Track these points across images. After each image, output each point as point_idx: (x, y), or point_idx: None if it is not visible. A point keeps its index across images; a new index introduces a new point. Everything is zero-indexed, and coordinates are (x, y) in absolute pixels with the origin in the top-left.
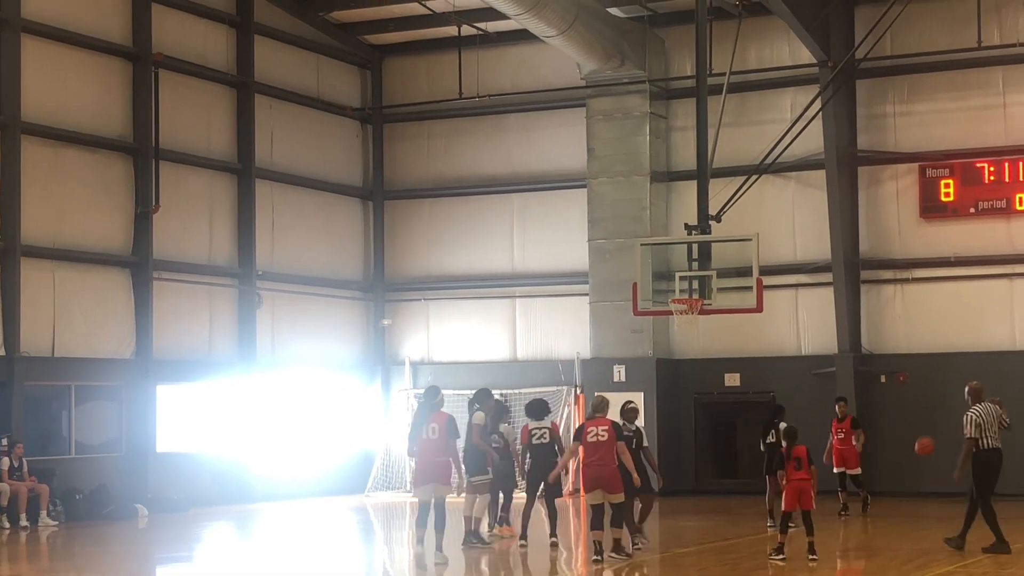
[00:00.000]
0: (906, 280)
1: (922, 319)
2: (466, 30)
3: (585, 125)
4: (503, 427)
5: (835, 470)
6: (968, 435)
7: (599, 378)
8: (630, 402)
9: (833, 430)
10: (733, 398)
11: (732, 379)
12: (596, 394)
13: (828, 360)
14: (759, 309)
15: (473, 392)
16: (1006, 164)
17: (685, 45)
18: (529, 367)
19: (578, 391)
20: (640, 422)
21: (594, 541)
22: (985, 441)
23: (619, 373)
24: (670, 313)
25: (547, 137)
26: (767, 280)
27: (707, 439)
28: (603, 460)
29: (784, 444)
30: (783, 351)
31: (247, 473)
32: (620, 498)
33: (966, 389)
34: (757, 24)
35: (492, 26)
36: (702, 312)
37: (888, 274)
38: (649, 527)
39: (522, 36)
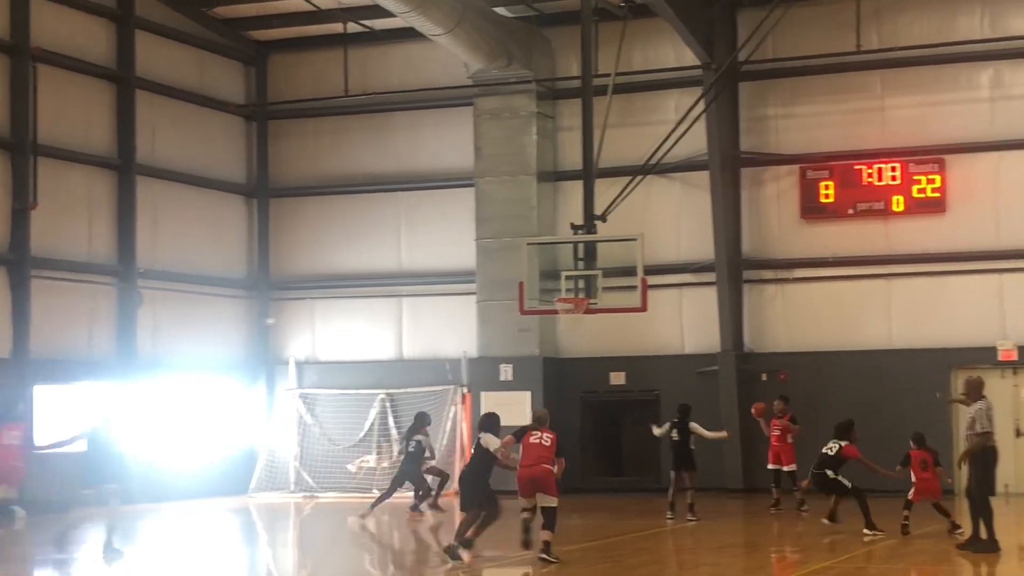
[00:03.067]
0: (787, 280)
1: (802, 318)
2: (352, 27)
3: (472, 124)
4: (420, 437)
5: (769, 466)
6: (984, 429)
7: (486, 377)
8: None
9: (771, 427)
10: (618, 397)
11: (618, 378)
12: (536, 410)
13: (711, 359)
14: (643, 308)
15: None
16: (884, 166)
17: (571, 46)
18: (416, 366)
19: (464, 390)
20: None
21: (544, 541)
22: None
23: (506, 372)
24: (556, 312)
25: (434, 136)
26: (652, 280)
27: (593, 438)
28: (542, 462)
29: (913, 446)
30: (668, 350)
31: (128, 474)
32: (554, 501)
33: (967, 383)
34: (642, 26)
35: (378, 23)
36: (588, 311)
37: (769, 274)
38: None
39: (409, 34)
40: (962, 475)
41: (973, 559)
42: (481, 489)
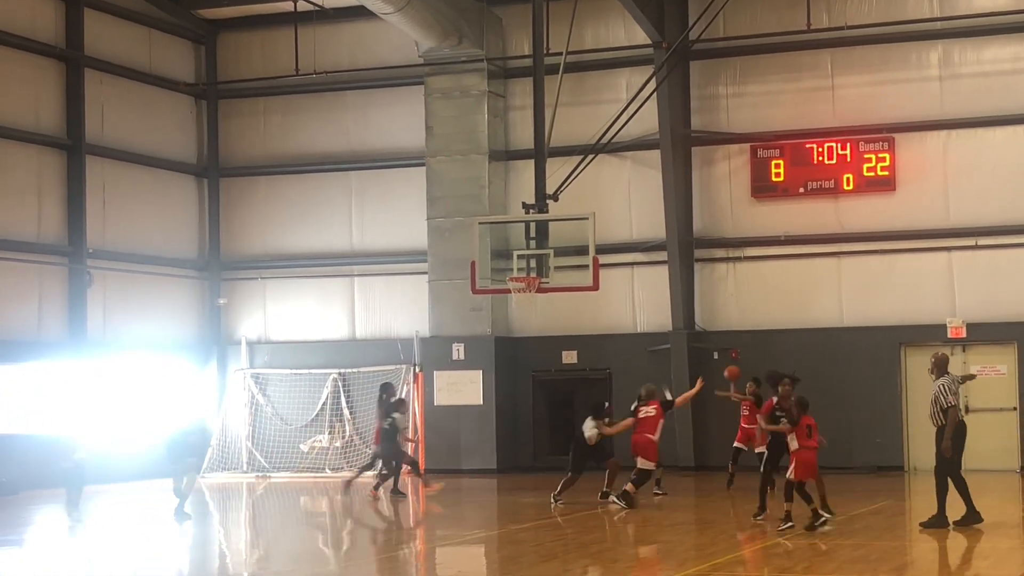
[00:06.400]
0: (738, 259)
1: (753, 296)
2: (302, 5)
3: (423, 103)
4: (396, 415)
5: (735, 444)
6: (950, 404)
7: (438, 356)
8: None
9: (742, 407)
10: (571, 375)
11: (570, 356)
12: (645, 384)
13: (663, 337)
14: (595, 287)
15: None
16: (834, 145)
17: (522, 24)
18: (368, 346)
19: (417, 369)
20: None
21: (625, 489)
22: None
23: (458, 351)
24: (508, 291)
25: (385, 115)
26: (604, 259)
27: (545, 416)
28: (646, 431)
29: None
30: (619, 328)
31: (78, 455)
32: (650, 465)
33: (932, 360)
34: (593, 5)
35: (329, 2)
36: (539, 290)
37: (720, 252)
38: (486, 504)
39: (359, 12)
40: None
41: (939, 535)
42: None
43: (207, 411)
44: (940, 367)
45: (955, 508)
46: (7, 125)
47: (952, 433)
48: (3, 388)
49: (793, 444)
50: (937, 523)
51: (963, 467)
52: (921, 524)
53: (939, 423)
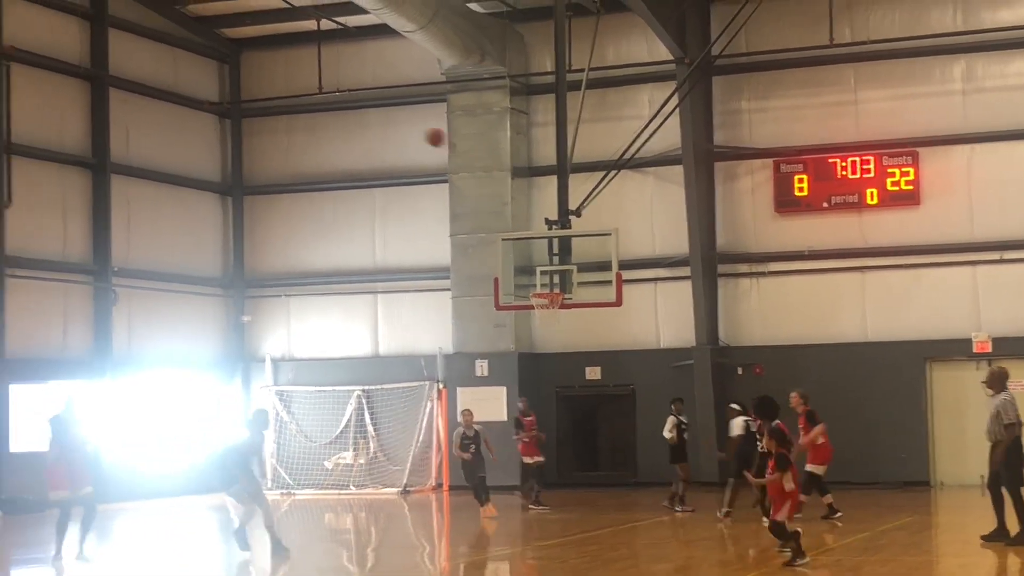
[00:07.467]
0: (761, 274)
1: (777, 312)
2: (325, 24)
3: (446, 120)
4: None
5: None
6: (1012, 420)
7: (462, 373)
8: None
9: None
10: (594, 391)
11: (593, 372)
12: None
13: (686, 353)
14: (618, 303)
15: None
16: (857, 159)
17: (544, 41)
18: (391, 362)
19: (440, 386)
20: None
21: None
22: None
23: (482, 368)
24: (531, 307)
25: (408, 132)
26: (626, 274)
27: (569, 432)
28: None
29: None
30: (642, 344)
31: (106, 473)
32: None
33: (989, 375)
34: (615, 21)
35: (351, 20)
36: (563, 307)
37: (744, 268)
38: (512, 521)
39: (382, 31)
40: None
41: (1002, 551)
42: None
43: (241, 429)
44: (999, 381)
45: (988, 522)
46: (33, 144)
47: (1008, 448)
48: (29, 407)
49: (788, 485)
50: (999, 536)
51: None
52: (982, 537)
53: (997, 438)
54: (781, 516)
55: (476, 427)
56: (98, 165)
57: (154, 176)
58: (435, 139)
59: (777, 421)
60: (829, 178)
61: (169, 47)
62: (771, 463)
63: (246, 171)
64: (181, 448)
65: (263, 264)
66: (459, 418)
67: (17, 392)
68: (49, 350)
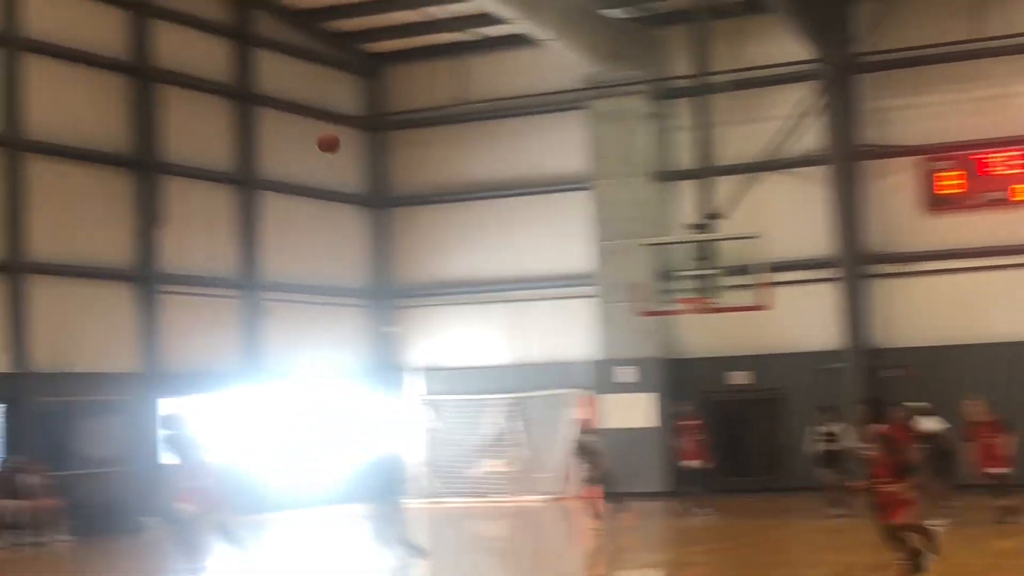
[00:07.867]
0: (911, 273)
1: (927, 312)
2: (464, 36)
3: (585, 127)
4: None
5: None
6: None
7: (608, 380)
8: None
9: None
10: (742, 396)
11: (741, 376)
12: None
13: (835, 355)
14: (767, 306)
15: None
16: (1008, 155)
17: (682, 44)
18: (538, 370)
19: (587, 392)
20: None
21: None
22: None
23: (628, 374)
24: (676, 312)
25: (547, 140)
26: (772, 277)
27: (717, 438)
28: None
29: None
30: (789, 347)
31: (257, 483)
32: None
33: None
34: (755, 22)
35: (490, 31)
36: (709, 311)
37: (893, 268)
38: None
39: (520, 40)
40: None
41: None
42: None
43: (394, 439)
44: None
45: None
46: (184, 163)
47: None
48: (193, 416)
49: (905, 493)
50: None
51: None
52: None
53: None
54: (899, 520)
55: (591, 434)
56: (245, 181)
57: (299, 190)
58: (329, 145)
59: (883, 425)
60: (979, 174)
61: (311, 63)
62: (884, 470)
63: (389, 183)
64: (330, 458)
65: (407, 274)
66: (581, 425)
67: (169, 405)
68: (201, 364)
